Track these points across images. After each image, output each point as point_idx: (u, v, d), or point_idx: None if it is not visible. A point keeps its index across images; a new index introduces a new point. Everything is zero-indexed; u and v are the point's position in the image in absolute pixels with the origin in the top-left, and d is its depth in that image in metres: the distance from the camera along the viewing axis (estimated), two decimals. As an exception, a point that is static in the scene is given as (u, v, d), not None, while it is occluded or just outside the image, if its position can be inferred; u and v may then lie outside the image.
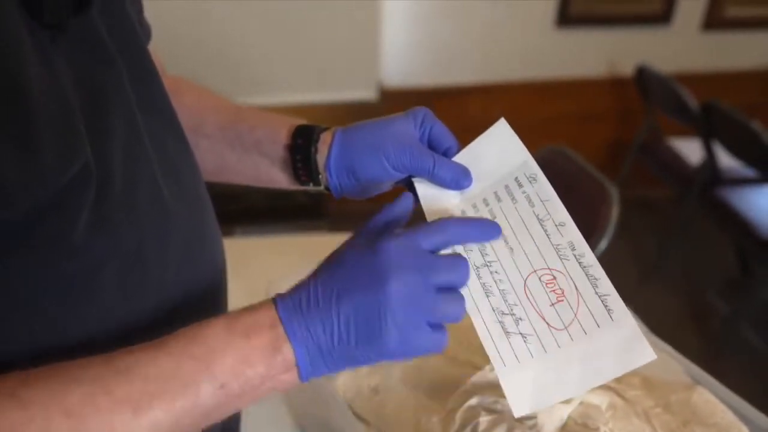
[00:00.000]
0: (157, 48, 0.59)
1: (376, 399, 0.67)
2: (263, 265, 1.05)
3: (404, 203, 0.49)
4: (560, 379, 0.46)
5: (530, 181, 0.52)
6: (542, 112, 2.73)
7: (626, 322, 0.45)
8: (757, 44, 2.86)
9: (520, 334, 0.47)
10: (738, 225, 2.08)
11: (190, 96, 0.63)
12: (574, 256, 0.48)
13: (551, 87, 2.73)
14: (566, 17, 2.60)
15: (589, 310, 0.46)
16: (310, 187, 0.60)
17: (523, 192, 0.52)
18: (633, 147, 2.66)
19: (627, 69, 2.63)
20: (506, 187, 0.53)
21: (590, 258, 0.48)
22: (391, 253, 0.42)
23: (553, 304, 0.47)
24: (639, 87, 2.56)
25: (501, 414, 0.57)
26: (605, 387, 0.64)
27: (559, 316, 0.47)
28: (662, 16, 2.71)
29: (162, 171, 0.48)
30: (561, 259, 0.49)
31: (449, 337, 0.76)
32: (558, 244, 0.49)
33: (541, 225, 0.50)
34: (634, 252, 2.64)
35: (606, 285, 0.47)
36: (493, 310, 0.48)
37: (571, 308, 0.47)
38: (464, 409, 0.58)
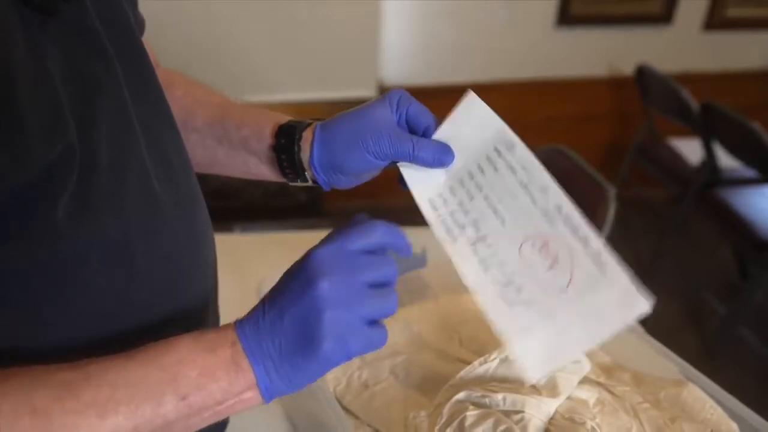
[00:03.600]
0: (162, 46, 0.58)
1: (365, 393, 0.68)
2: (259, 261, 1.05)
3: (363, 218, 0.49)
4: (565, 339, 0.46)
5: (508, 149, 0.53)
6: (542, 112, 2.73)
7: (619, 276, 0.45)
8: (758, 44, 2.85)
9: (522, 302, 0.48)
10: (736, 226, 2.08)
11: (180, 89, 0.64)
12: (561, 219, 0.49)
13: (551, 87, 2.72)
14: (567, 17, 2.60)
15: (583, 269, 0.47)
16: (299, 183, 0.61)
17: (504, 160, 0.53)
18: (632, 147, 2.65)
19: (628, 69, 2.62)
20: (487, 158, 0.54)
21: (577, 218, 0.48)
22: (319, 260, 0.43)
23: (549, 269, 0.48)
24: (639, 87, 2.56)
25: (488, 408, 0.57)
26: (594, 382, 0.64)
27: (556, 279, 0.47)
28: (663, 16, 2.71)
29: (154, 163, 0.48)
30: (549, 223, 0.49)
31: (440, 332, 0.76)
32: (544, 209, 0.50)
33: (527, 191, 0.51)
34: (633, 252, 2.63)
35: (596, 242, 0.47)
36: (494, 283, 0.49)
37: (566, 270, 0.47)
38: (452, 403, 0.58)
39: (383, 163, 0.56)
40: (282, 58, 2.34)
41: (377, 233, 0.45)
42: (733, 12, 2.73)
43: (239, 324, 0.43)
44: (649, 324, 0.76)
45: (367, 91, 2.50)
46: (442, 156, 0.55)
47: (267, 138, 0.59)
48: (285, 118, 0.60)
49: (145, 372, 0.39)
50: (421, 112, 0.56)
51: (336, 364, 0.43)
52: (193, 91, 0.64)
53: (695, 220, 2.54)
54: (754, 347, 2.05)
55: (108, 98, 0.43)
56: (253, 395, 0.42)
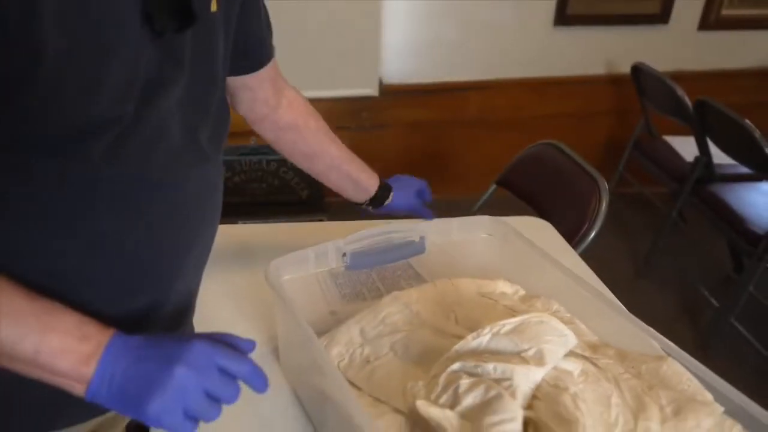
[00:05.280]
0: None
1: (367, 368, 0.72)
2: (263, 248, 1.10)
3: (247, 344, 0.59)
4: None
5: None
6: (541, 110, 2.77)
7: None
8: (753, 44, 2.89)
9: None
10: (730, 220, 2.12)
11: (316, 122, 0.93)
12: None
13: (550, 85, 2.77)
14: (565, 16, 2.64)
15: None
16: (365, 207, 1.03)
17: None
18: (629, 144, 2.70)
19: (625, 68, 2.66)
20: None
21: None
22: (194, 350, 0.52)
23: None
24: (635, 85, 2.60)
25: (480, 377, 0.61)
26: (579, 356, 0.68)
27: None
28: (660, 15, 2.75)
29: (192, 151, 0.63)
30: None
31: (437, 312, 0.81)
32: None
33: None
34: (630, 248, 2.68)
35: None
36: None
37: None
38: (447, 373, 0.63)
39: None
40: (284, 57, 2.37)
41: (243, 368, 0.55)
42: (728, 12, 2.78)
43: (116, 335, 0.52)
44: (645, 317, 0.79)
45: (369, 90, 2.55)
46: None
47: (374, 186, 1.00)
48: (375, 178, 1.00)
49: (29, 313, 0.50)
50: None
51: (150, 424, 0.51)
52: (324, 128, 0.94)
53: (691, 216, 2.58)
54: (747, 339, 2.10)
55: (167, 95, 0.58)
56: (79, 387, 0.50)
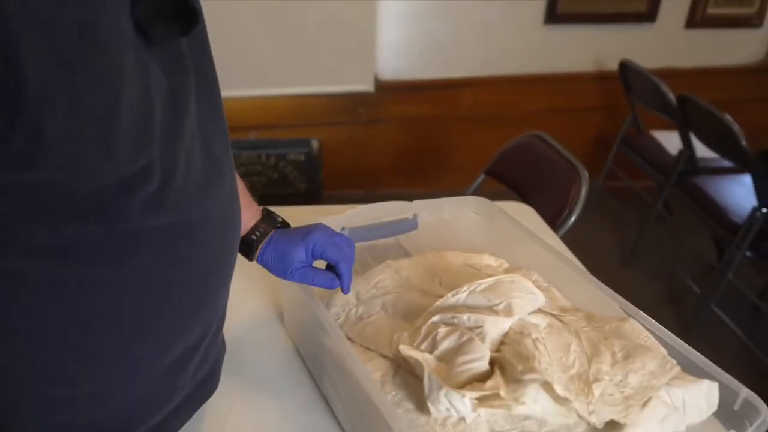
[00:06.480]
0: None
1: (360, 324, 0.81)
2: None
3: None
4: None
5: None
6: (531, 106, 2.87)
7: None
8: (738, 41, 2.99)
9: None
10: (712, 211, 2.21)
11: None
12: None
13: (540, 82, 2.86)
14: (555, 15, 2.73)
15: None
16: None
17: None
18: (617, 139, 2.79)
19: (613, 65, 2.76)
20: None
21: None
22: None
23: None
24: (622, 81, 2.69)
25: (456, 326, 0.70)
26: (548, 314, 0.77)
27: None
28: (647, 14, 2.84)
29: (209, 167, 0.57)
30: None
31: (424, 276, 0.90)
32: None
33: None
34: (619, 240, 2.78)
35: None
36: None
37: None
38: (428, 324, 0.72)
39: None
40: (285, 54, 2.48)
41: None
42: (713, 11, 2.87)
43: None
44: (632, 302, 0.86)
45: (365, 86, 2.64)
46: (331, 284, 0.77)
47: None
48: (257, 217, 0.79)
49: None
50: (332, 252, 0.76)
51: None
52: None
53: (677, 210, 2.68)
54: (727, 324, 2.19)
55: (189, 115, 0.50)
56: None
